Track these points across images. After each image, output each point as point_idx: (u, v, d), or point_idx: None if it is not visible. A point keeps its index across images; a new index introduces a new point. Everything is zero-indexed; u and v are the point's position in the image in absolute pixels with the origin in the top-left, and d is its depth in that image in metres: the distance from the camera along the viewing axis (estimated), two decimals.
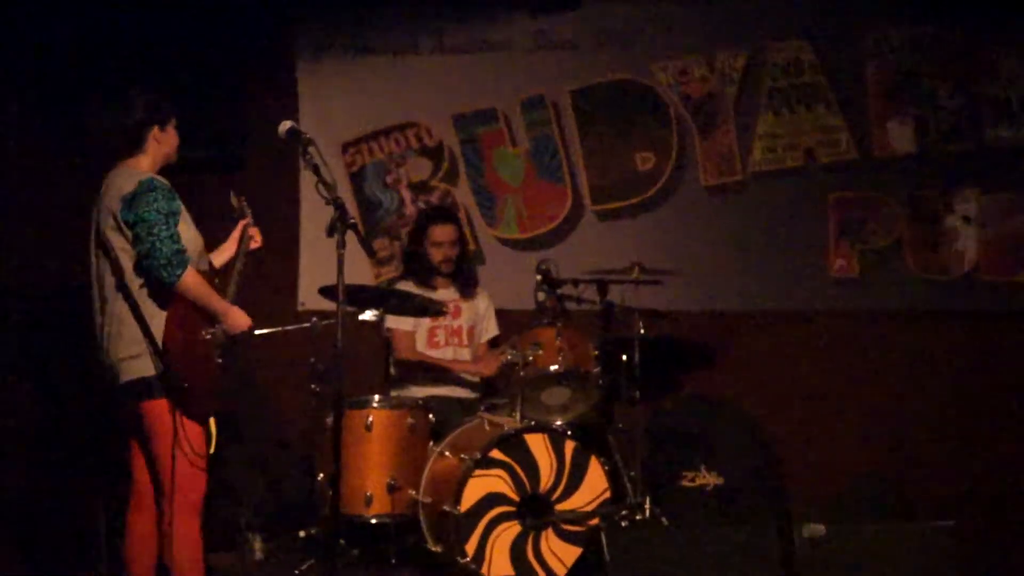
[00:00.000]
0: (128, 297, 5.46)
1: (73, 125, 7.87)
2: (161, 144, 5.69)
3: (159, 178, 5.57)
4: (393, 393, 7.48)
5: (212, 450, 5.54)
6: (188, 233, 5.56)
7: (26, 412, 7.87)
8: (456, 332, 7.68)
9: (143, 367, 5.47)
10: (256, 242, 6.06)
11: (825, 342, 8.30)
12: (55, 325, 7.51)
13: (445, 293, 7.66)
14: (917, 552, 5.37)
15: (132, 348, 5.48)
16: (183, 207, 5.62)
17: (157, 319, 5.46)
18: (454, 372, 7.60)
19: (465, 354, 7.70)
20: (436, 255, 7.59)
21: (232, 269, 5.90)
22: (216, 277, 5.78)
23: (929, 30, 8.27)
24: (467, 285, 7.75)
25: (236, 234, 6.06)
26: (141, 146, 5.65)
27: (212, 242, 6.13)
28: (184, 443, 5.48)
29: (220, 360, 5.62)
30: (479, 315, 7.80)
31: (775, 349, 8.33)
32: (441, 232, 7.59)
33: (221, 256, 6.02)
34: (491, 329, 7.84)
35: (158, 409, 5.48)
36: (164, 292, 5.45)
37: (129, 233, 5.44)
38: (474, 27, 8.53)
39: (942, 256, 8.28)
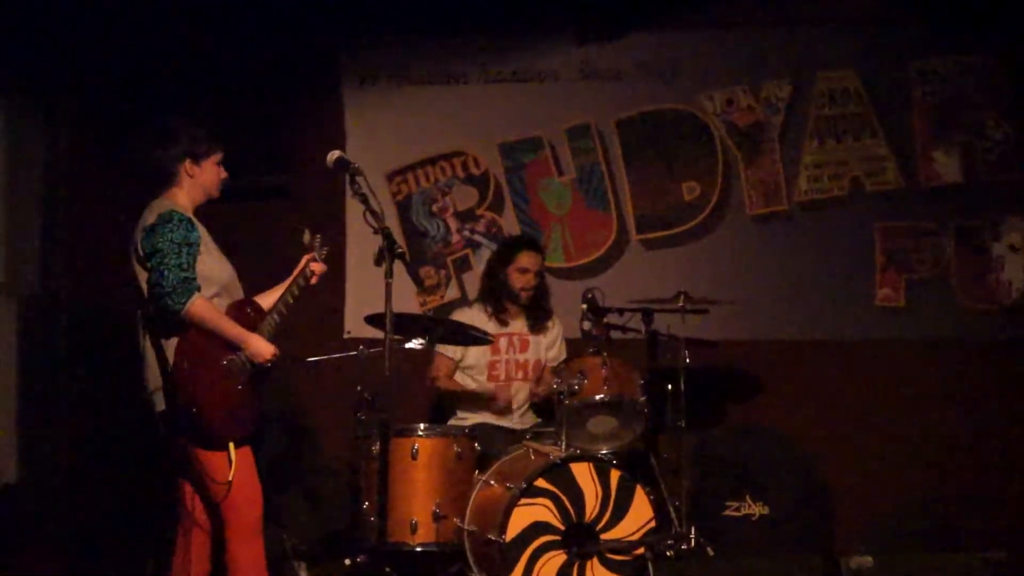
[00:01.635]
0: (149, 328, 5.49)
1: (118, 157, 7.94)
2: (195, 178, 5.64)
3: (180, 210, 5.51)
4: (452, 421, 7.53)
5: (231, 477, 5.46)
6: (212, 264, 5.55)
7: (87, 439, 7.92)
8: (521, 366, 7.63)
9: (163, 401, 5.51)
10: (316, 278, 5.96)
11: (871, 371, 8.25)
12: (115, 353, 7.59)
13: (515, 325, 7.64)
14: None
15: (158, 380, 5.50)
16: (209, 239, 5.60)
17: (169, 349, 5.45)
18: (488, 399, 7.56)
19: (524, 391, 7.64)
20: (519, 281, 7.53)
21: (279, 300, 5.82)
22: (250, 309, 5.73)
23: (976, 59, 8.24)
24: (539, 320, 7.68)
25: (298, 268, 5.94)
26: (173, 179, 5.63)
27: (261, 269, 6.13)
28: (203, 471, 5.51)
29: (241, 387, 5.54)
30: (547, 347, 7.74)
31: (821, 378, 8.29)
32: (529, 259, 7.54)
33: (269, 298, 5.90)
34: (554, 357, 7.69)
35: (182, 437, 5.50)
36: (175, 321, 5.42)
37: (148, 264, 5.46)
38: (520, 57, 8.55)
39: (989, 285, 8.22)
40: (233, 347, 5.52)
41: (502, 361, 7.59)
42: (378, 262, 5.50)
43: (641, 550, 6.53)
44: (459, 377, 7.67)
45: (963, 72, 8.26)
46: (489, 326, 7.46)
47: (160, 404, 5.51)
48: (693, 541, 7.13)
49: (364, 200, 5.49)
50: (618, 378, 6.95)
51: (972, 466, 8.06)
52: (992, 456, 8.08)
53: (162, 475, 6.06)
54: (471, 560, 6.72)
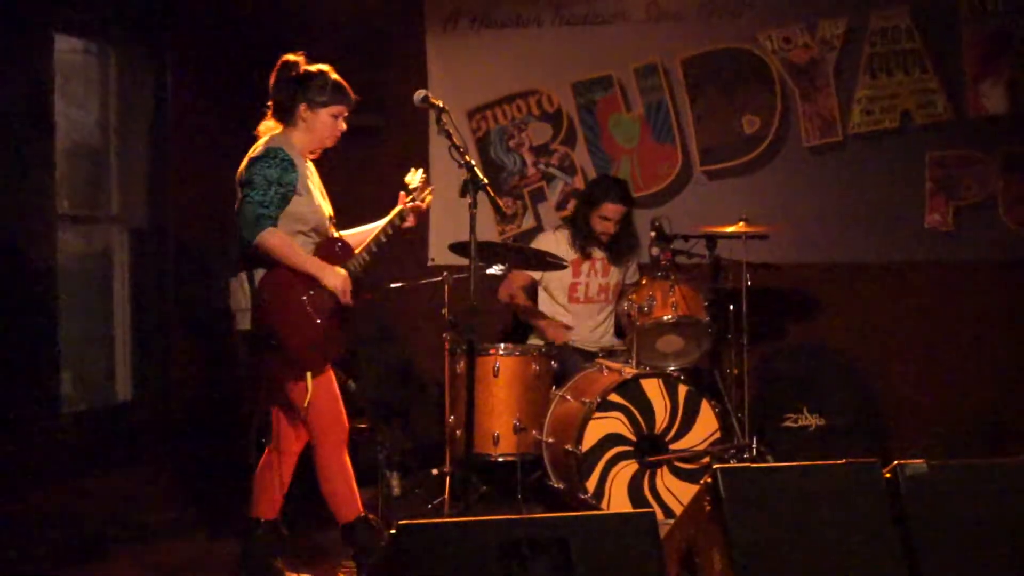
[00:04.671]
0: (243, 253, 5.41)
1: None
2: (308, 123, 5.51)
3: (286, 150, 5.39)
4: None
5: (306, 403, 5.36)
6: (306, 206, 5.42)
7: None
8: (603, 288, 7.65)
9: (245, 321, 5.46)
10: (411, 222, 5.76)
11: (922, 292, 8.24)
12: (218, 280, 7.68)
13: (596, 253, 7.64)
14: None
15: (241, 302, 5.47)
16: (312, 181, 5.51)
17: (258, 278, 5.38)
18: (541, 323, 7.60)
19: (606, 311, 7.71)
20: (599, 226, 7.52)
21: (370, 240, 5.63)
22: (338, 247, 5.57)
23: None
24: (619, 255, 7.66)
25: (394, 211, 5.72)
26: (292, 119, 5.51)
27: (350, 209, 6.09)
28: (285, 395, 5.50)
29: (320, 321, 5.39)
30: (625, 277, 7.77)
31: (874, 299, 8.30)
32: (611, 210, 7.49)
33: (359, 236, 5.74)
34: (630, 279, 7.72)
35: (264, 361, 5.50)
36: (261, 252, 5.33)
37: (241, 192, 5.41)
38: (591, 1, 8.56)
39: None
40: (318, 283, 5.40)
41: (582, 283, 7.63)
42: (463, 194, 5.53)
43: (707, 459, 6.61)
44: (541, 296, 7.72)
45: (1011, 5, 8.11)
46: (569, 253, 7.48)
47: (243, 324, 5.46)
48: (755, 450, 7.20)
49: (449, 136, 5.50)
50: (685, 300, 6.99)
51: (1017, 378, 8.03)
52: None
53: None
54: (549, 469, 6.84)
